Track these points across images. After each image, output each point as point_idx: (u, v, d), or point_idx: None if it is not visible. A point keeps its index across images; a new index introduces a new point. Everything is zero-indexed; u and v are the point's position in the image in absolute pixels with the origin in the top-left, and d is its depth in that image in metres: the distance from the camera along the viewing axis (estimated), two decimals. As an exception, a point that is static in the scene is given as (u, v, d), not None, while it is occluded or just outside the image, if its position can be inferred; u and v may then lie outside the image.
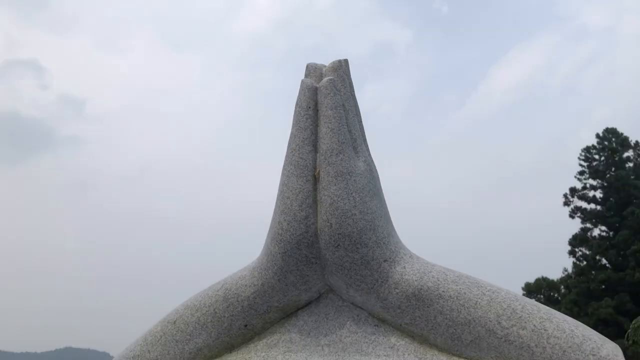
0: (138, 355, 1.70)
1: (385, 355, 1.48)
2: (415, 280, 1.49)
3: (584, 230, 25.80)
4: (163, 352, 1.66)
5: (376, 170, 1.67)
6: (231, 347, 1.62)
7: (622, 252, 24.22)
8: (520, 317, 1.42)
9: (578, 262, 25.55)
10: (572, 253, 25.96)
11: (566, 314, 1.55)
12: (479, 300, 1.45)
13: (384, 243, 1.52)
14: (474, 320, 1.43)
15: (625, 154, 25.90)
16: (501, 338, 1.41)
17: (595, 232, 25.80)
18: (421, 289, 1.48)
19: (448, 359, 1.46)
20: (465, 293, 1.46)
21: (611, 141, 25.91)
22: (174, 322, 1.67)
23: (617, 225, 24.74)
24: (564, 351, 1.38)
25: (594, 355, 1.38)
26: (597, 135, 26.27)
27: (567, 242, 26.08)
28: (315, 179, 1.55)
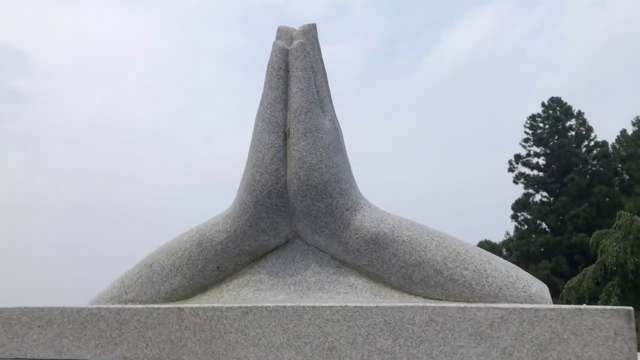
0: (115, 296, 1.83)
1: (344, 293, 1.67)
2: (373, 227, 1.66)
3: (526, 195, 26.90)
4: (140, 293, 1.79)
5: (340, 128, 1.82)
6: (204, 288, 1.77)
7: (560, 217, 25.46)
8: (463, 259, 1.63)
9: (519, 226, 26.70)
10: (514, 217, 27.08)
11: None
12: (428, 244, 1.64)
13: (346, 194, 1.69)
14: (424, 262, 1.62)
15: (568, 123, 26.96)
16: (447, 277, 1.61)
17: (537, 197, 26.95)
18: (378, 234, 1.66)
19: (400, 296, 1.66)
20: (416, 238, 1.65)
21: (555, 110, 26.89)
22: (150, 266, 1.80)
23: (558, 191, 25.91)
24: (500, 288, 1.60)
25: (524, 292, 1.60)
26: (543, 104, 27.19)
27: (510, 207, 27.17)
28: (286, 135, 1.69)
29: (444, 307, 1.34)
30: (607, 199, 25.26)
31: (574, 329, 1.29)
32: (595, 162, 26.65)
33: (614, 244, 18.64)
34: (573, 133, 26.79)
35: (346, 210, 1.68)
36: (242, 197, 1.71)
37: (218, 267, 1.75)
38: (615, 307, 1.29)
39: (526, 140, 27.17)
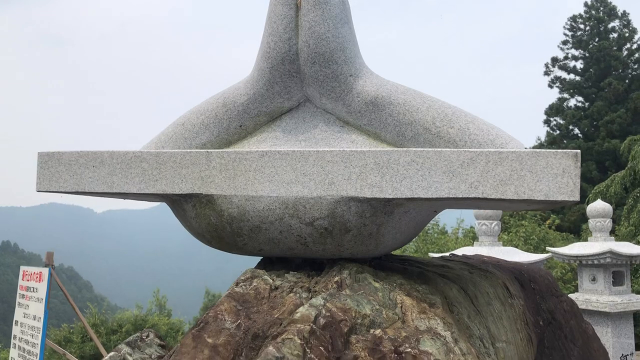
0: (153, 150, 2.15)
1: (347, 147, 1.95)
2: (373, 91, 1.91)
3: (561, 100, 26.38)
4: (174, 147, 2.10)
5: (348, 4, 2.02)
6: (229, 143, 2.07)
7: (594, 123, 25.04)
8: (450, 119, 1.87)
9: (551, 132, 26.42)
10: (546, 122, 26.74)
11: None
12: (420, 106, 1.89)
13: (350, 61, 1.93)
14: (415, 121, 1.88)
15: (611, 24, 25.79)
16: (434, 134, 1.87)
17: (572, 102, 26.42)
18: (377, 97, 1.91)
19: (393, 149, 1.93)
20: (410, 101, 1.90)
21: (599, 10, 25.65)
22: (183, 124, 2.10)
23: (594, 96, 25.31)
24: (480, 144, 1.85)
25: (502, 147, 1.85)
26: (585, 4, 25.92)
27: (544, 112, 26.75)
28: (297, 7, 1.91)
29: (423, 150, 1.61)
30: (645, 105, 24.56)
31: (530, 167, 1.55)
32: (636, 67, 25.71)
33: (646, 150, 18.45)
34: (615, 35, 25.68)
35: (350, 76, 1.92)
36: (259, 64, 1.96)
37: (240, 126, 2.04)
38: (565, 150, 1.54)
39: (565, 42, 26.23)
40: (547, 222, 19.54)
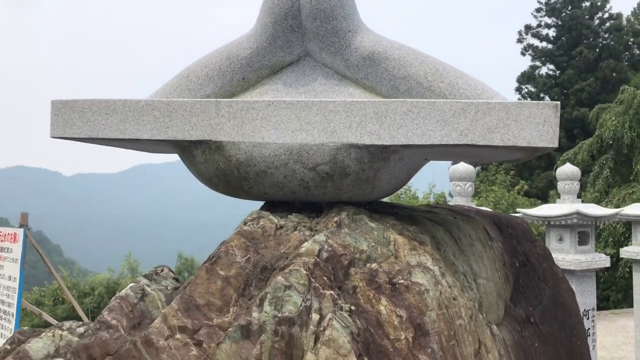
0: (164, 99, 2.25)
1: (344, 99, 2.08)
2: (370, 46, 2.04)
3: (533, 68, 26.73)
4: (179, 98, 2.21)
5: (346, -37, 2.13)
6: (232, 95, 2.19)
7: (564, 91, 25.51)
8: (441, 74, 2.02)
9: (522, 99, 26.81)
10: (518, 90, 27.14)
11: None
12: (414, 62, 2.03)
13: (349, 18, 2.05)
14: (408, 76, 2.02)
15: (584, -7, 26.07)
16: (426, 88, 2.02)
17: (543, 70, 26.81)
18: (373, 52, 2.04)
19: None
20: (404, 57, 2.04)
21: (573, -22, 25.86)
22: (187, 76, 2.20)
23: (565, 64, 25.71)
24: (468, 97, 2.01)
25: (487, 100, 2.01)
26: (560, -29, 26.09)
27: (515, 80, 27.11)
28: None
29: (419, 100, 1.76)
30: (614, 74, 25.08)
31: (515, 117, 1.72)
32: (606, 36, 26.11)
33: (614, 118, 19.02)
34: (588, 4, 25.97)
35: (348, 32, 2.04)
36: (263, 19, 2.07)
37: (243, 78, 2.15)
38: (546, 102, 1.71)
39: (538, 10, 26.42)
40: (516, 187, 20.07)
